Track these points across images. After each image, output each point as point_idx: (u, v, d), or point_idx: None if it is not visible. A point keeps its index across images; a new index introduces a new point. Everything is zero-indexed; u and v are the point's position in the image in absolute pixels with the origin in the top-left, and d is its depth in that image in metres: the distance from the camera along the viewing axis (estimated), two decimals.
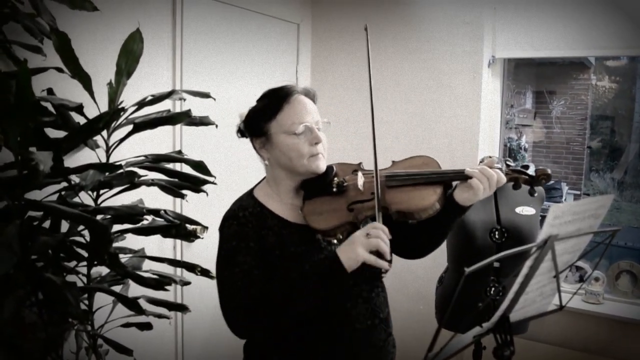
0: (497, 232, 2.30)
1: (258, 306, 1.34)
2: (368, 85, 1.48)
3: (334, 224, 1.40)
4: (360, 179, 1.44)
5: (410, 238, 1.58)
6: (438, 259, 2.50)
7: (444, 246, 2.44)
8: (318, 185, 1.46)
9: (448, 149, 3.22)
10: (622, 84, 6.28)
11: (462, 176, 1.40)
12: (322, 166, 1.46)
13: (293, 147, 1.43)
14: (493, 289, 2.27)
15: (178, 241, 2.80)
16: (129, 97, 1.98)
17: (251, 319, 1.36)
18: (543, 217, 1.17)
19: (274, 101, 1.47)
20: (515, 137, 6.25)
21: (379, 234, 1.29)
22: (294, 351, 1.44)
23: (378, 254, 1.28)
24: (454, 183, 1.44)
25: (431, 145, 3.25)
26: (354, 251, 1.29)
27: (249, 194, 1.53)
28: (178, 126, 2.71)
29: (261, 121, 1.47)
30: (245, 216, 1.44)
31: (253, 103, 1.55)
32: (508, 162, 1.48)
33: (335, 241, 1.44)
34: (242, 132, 1.56)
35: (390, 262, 1.27)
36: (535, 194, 1.50)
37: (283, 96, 1.46)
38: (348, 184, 1.46)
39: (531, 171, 1.46)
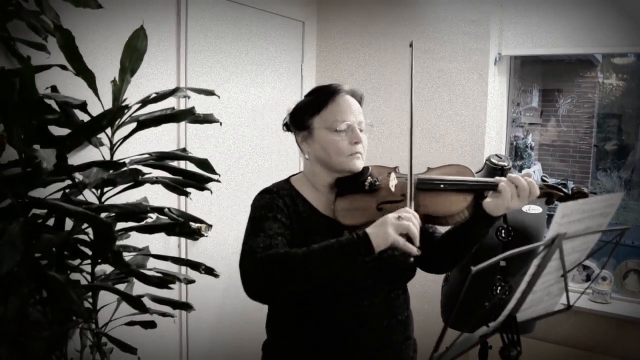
0: (503, 231, 2.28)
1: (276, 262, 1.28)
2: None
3: (361, 222, 1.41)
4: (393, 180, 1.47)
5: (436, 250, 1.56)
6: None
7: None
8: (352, 183, 1.49)
9: (454, 147, 3.20)
10: (629, 82, 6.23)
11: (494, 187, 1.39)
12: (359, 165, 1.49)
13: (333, 144, 1.46)
14: (500, 288, 2.25)
15: (183, 239, 2.80)
16: (133, 94, 1.97)
17: (267, 275, 1.28)
18: (550, 216, 1.16)
19: (321, 97, 1.50)
20: (522, 135, 6.21)
21: (410, 218, 1.27)
22: (310, 348, 1.44)
23: (408, 238, 1.26)
24: (486, 194, 1.43)
25: (437, 144, 3.23)
26: (384, 231, 1.26)
27: (286, 181, 1.57)
28: (183, 124, 2.70)
29: (306, 115, 1.51)
30: (279, 192, 1.48)
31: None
32: (544, 178, 1.45)
33: None
34: (287, 127, 1.58)
35: (420, 248, 1.25)
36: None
37: (330, 93, 1.50)
38: (380, 184, 1.49)
39: (567, 189, 1.42)
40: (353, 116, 1.48)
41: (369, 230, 1.28)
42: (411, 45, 1.48)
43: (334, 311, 1.42)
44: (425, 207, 1.40)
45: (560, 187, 1.43)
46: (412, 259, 1.28)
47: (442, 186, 1.43)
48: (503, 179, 1.38)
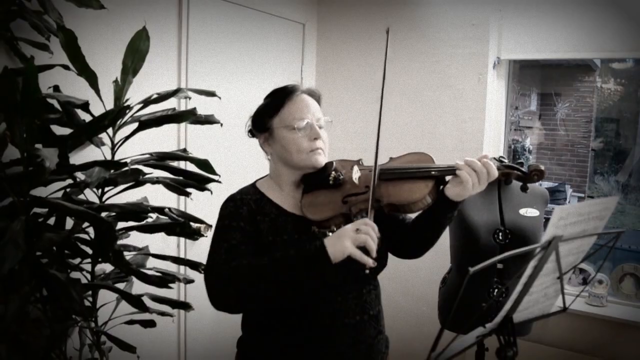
0: (500, 234, 2.30)
1: (237, 276, 1.34)
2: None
3: (327, 215, 1.45)
4: (356, 173, 1.51)
5: (406, 235, 1.60)
6: (441, 261, 2.51)
7: (447, 247, 2.44)
8: (317, 179, 1.52)
9: (453, 150, 3.21)
10: (627, 87, 6.26)
11: (453, 171, 1.42)
12: (321, 161, 1.51)
13: (293, 141, 1.49)
14: (496, 290, 2.26)
15: (182, 239, 2.81)
16: (135, 95, 1.98)
17: (228, 288, 1.35)
18: (547, 219, 1.17)
19: (278, 98, 1.54)
20: (520, 139, 6.24)
21: (368, 231, 1.29)
22: (284, 344, 1.46)
23: (365, 250, 1.29)
24: (448, 178, 1.46)
25: (435, 146, 3.25)
26: (341, 243, 1.29)
27: (252, 185, 1.60)
28: (183, 124, 2.72)
29: (265, 117, 1.54)
30: (243, 199, 1.51)
31: (258, 102, 1.59)
32: (502, 158, 1.48)
33: (329, 233, 1.47)
34: (252, 132, 1.62)
35: (375, 260, 1.28)
36: (528, 191, 1.49)
37: (286, 93, 1.53)
38: (344, 178, 1.52)
39: (525, 167, 1.46)
40: (310, 113, 1.51)
41: (326, 241, 1.31)
42: (387, 32, 1.50)
43: (306, 307, 1.44)
44: (388, 196, 1.43)
45: (517, 165, 1.46)
46: (368, 271, 1.29)
47: (402, 174, 1.46)
48: (460, 163, 1.40)
